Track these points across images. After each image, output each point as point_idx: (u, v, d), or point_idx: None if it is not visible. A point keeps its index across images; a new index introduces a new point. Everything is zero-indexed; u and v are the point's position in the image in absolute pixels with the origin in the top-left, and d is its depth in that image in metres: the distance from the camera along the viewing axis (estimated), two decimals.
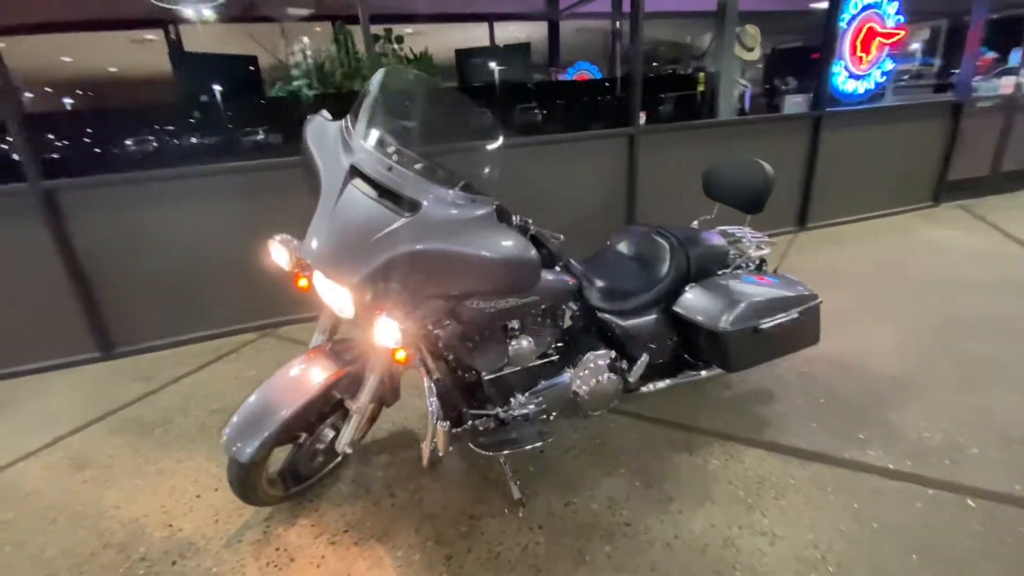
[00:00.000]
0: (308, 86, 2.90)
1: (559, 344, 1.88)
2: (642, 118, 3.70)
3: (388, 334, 1.32)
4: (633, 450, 1.94)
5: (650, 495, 1.72)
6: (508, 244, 1.29)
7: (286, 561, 1.55)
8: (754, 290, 1.81)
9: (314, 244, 1.30)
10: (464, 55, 3.73)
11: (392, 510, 1.72)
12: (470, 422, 1.71)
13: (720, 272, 1.93)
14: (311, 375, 1.53)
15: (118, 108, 3.36)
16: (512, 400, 1.76)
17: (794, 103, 4.08)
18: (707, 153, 3.85)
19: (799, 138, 4.18)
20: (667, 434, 2.01)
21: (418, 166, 1.33)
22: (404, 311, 1.36)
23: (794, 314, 1.81)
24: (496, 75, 3.68)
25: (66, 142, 3.02)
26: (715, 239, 1.97)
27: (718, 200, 2.09)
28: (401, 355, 1.46)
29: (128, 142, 3.00)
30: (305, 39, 3.10)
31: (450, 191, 1.31)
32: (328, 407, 1.64)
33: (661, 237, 1.94)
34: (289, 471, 1.69)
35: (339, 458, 1.85)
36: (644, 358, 1.85)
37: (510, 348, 1.67)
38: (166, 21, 4.67)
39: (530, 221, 1.52)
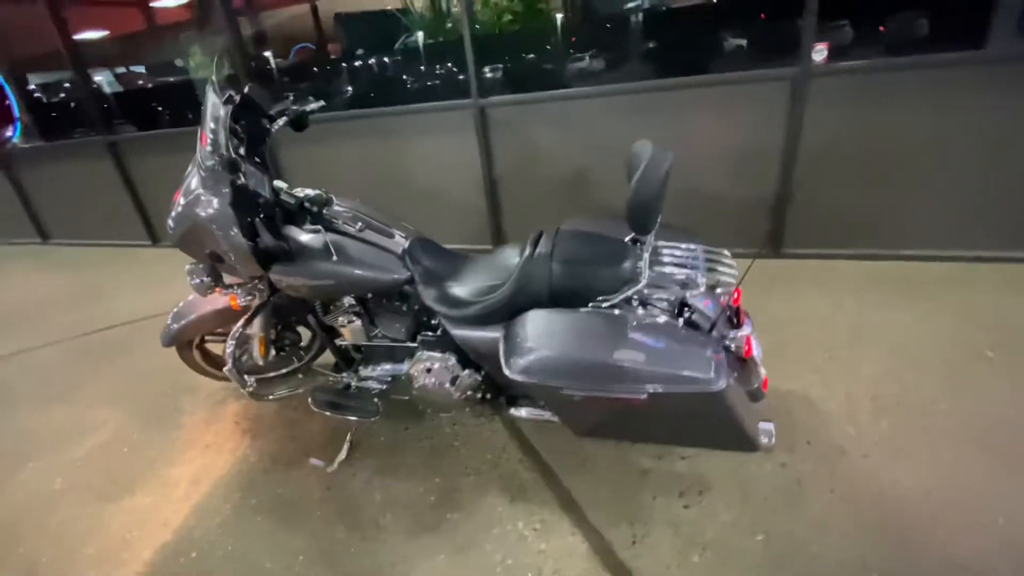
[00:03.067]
0: (423, 37, 3.10)
1: (429, 333, 1.78)
2: (821, 52, 2.50)
3: (191, 284, 1.62)
4: (471, 467, 1.75)
5: (422, 517, 1.59)
6: (219, 220, 1.35)
7: (215, 419, 2.17)
8: (599, 340, 1.27)
9: None
10: None
11: (281, 420, 2.11)
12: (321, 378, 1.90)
13: (598, 301, 1.40)
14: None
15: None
16: (361, 370, 1.85)
17: None
18: (958, 113, 2.39)
19: None
20: (522, 470, 1.72)
21: (220, 137, 1.46)
22: (210, 268, 1.61)
23: (640, 392, 1.22)
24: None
25: None
26: (617, 256, 1.41)
27: None
28: (233, 302, 1.75)
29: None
30: None
31: (211, 158, 1.42)
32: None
33: (534, 240, 1.52)
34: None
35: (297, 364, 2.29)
36: (465, 372, 1.61)
37: (338, 321, 1.73)
38: None
39: (331, 211, 1.48)
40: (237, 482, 1.82)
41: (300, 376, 2.06)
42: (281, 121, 1.76)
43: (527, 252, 1.48)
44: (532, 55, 3.31)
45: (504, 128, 3.22)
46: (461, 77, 3.15)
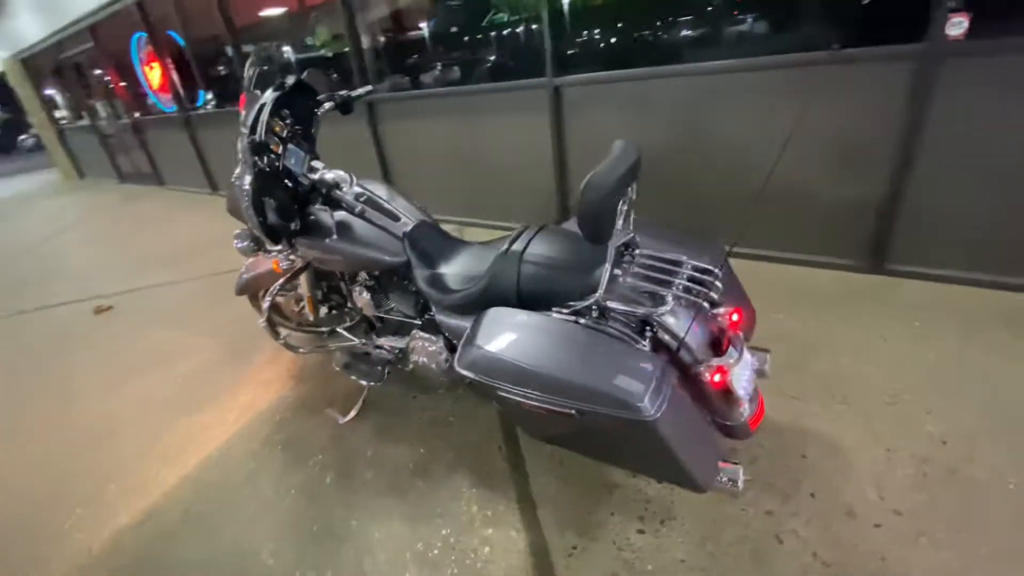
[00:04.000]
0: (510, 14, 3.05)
1: (432, 313, 1.88)
2: (959, 25, 1.99)
3: (236, 247, 1.90)
4: (455, 443, 1.84)
5: (397, 480, 1.73)
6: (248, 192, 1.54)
7: (275, 361, 2.54)
8: (537, 346, 1.24)
9: None
10: None
11: (321, 371, 2.40)
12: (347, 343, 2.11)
13: (563, 308, 1.36)
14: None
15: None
16: (375, 338, 2.02)
17: None
18: None
19: None
20: (497, 457, 1.76)
21: (260, 119, 1.66)
22: (253, 234, 1.87)
23: (569, 408, 1.17)
24: None
25: None
26: (588, 263, 1.34)
27: None
28: (276, 266, 2.01)
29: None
30: None
31: (246, 137, 1.60)
32: None
33: (515, 236, 1.50)
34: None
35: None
36: (443, 357, 1.66)
37: (353, 293, 1.90)
38: None
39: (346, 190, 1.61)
40: (271, 418, 2.14)
41: (325, 335, 2.31)
42: (328, 105, 1.92)
43: (503, 248, 1.48)
44: (619, 30, 3.11)
45: (578, 109, 3.12)
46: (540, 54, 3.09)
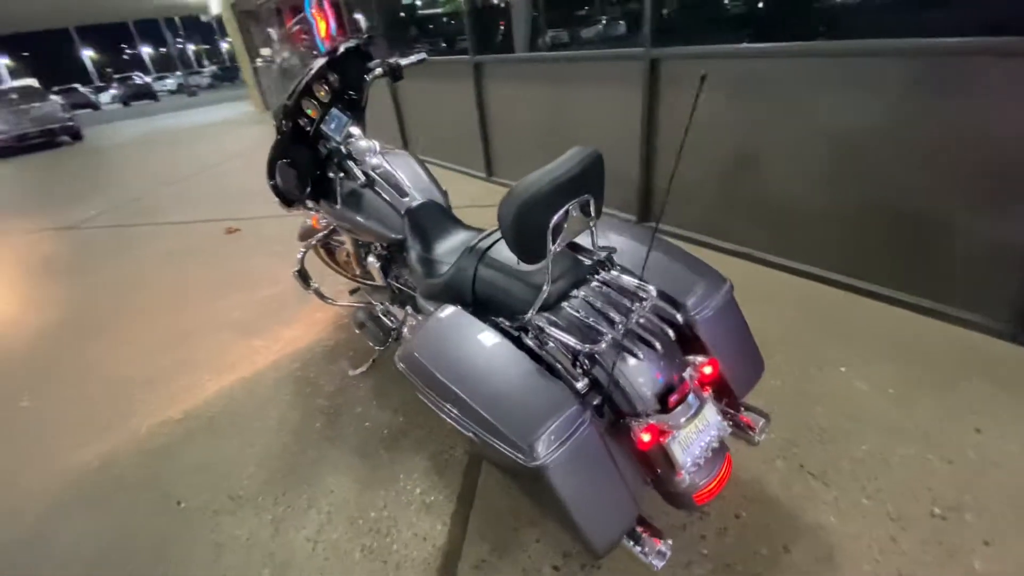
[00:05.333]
0: None
1: None
2: None
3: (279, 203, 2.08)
4: (429, 423, 1.87)
5: (368, 443, 1.83)
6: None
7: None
8: (455, 357, 1.17)
9: None
10: None
11: (329, 325, 2.58)
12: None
13: (512, 320, 1.26)
14: None
15: None
16: (388, 304, 2.11)
17: None
18: None
19: None
20: (460, 448, 1.75)
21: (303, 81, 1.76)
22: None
23: (468, 431, 1.11)
24: None
25: None
26: (538, 279, 1.22)
27: None
28: (315, 221, 2.17)
29: None
30: None
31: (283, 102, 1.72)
32: None
33: (489, 232, 1.41)
34: None
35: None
36: None
37: (367, 261, 1.98)
38: None
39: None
40: (303, 355, 2.38)
41: (352, 294, 2.45)
42: (378, 71, 1.95)
43: (472, 243, 1.40)
44: None
45: (677, 86, 2.76)
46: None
